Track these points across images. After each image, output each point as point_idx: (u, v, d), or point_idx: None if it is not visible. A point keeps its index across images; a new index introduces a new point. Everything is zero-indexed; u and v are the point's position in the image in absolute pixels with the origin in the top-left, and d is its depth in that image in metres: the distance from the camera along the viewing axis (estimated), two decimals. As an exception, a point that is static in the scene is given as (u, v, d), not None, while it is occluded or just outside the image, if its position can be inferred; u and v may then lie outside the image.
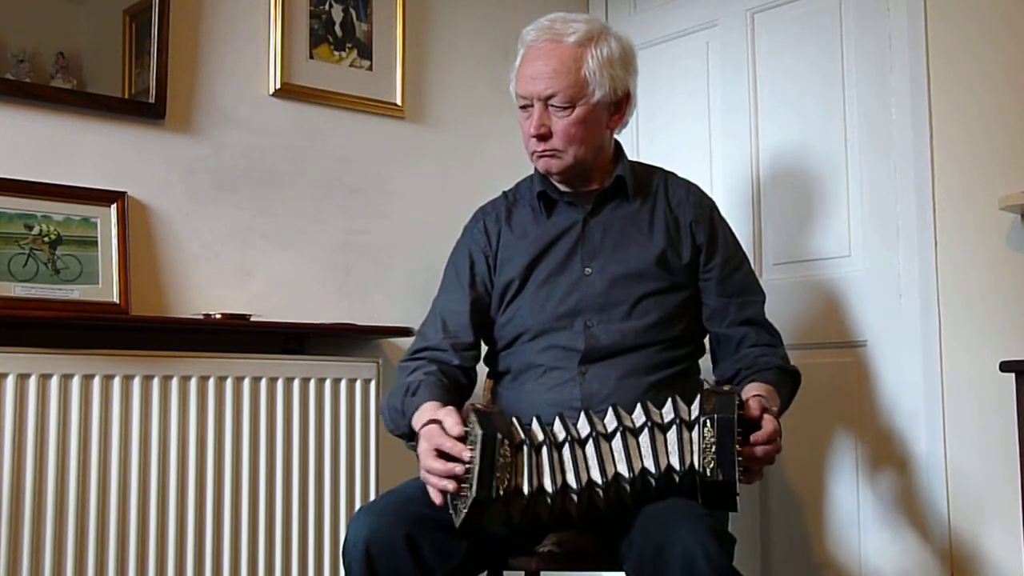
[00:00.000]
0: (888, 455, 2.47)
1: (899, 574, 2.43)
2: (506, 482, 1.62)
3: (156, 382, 2.25)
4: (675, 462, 1.67)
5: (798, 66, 2.71)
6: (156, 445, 2.24)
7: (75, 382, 2.16)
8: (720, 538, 1.62)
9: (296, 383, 2.43)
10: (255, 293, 2.54)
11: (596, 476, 1.66)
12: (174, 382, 2.27)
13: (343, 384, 2.50)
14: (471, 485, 1.60)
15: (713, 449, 1.64)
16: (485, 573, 1.93)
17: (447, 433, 1.68)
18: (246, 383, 2.36)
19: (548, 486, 1.65)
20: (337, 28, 2.72)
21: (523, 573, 1.96)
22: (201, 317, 2.37)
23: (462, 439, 1.66)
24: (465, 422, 1.67)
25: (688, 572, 1.57)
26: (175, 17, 2.46)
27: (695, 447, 1.66)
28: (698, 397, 1.70)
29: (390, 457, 2.58)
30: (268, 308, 2.52)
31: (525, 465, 1.65)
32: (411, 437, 1.90)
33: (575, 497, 1.66)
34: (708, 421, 1.64)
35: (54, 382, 2.14)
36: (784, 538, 2.65)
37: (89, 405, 2.17)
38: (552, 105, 1.93)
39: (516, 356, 2.03)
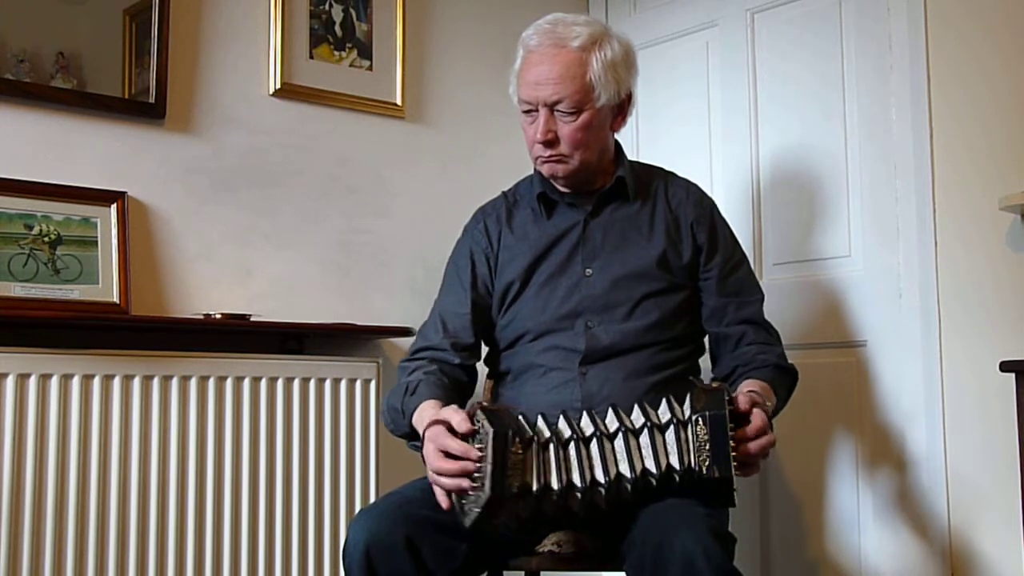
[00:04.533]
0: (888, 455, 2.48)
1: (898, 574, 2.43)
2: (518, 480, 1.61)
3: (156, 382, 2.25)
4: (675, 462, 1.67)
5: (798, 66, 2.71)
6: (156, 445, 2.24)
7: (75, 382, 2.16)
8: (720, 538, 1.62)
9: (296, 383, 2.43)
10: (255, 293, 2.54)
11: (599, 475, 1.66)
12: (174, 382, 2.27)
13: (343, 384, 2.49)
14: (483, 484, 1.59)
15: (707, 447, 1.64)
16: (485, 574, 1.93)
17: (454, 431, 1.66)
18: (246, 383, 2.36)
19: (554, 484, 1.64)
20: (337, 28, 2.72)
21: (523, 573, 1.96)
22: (201, 317, 2.37)
23: (468, 437, 1.65)
24: (472, 420, 1.66)
25: (688, 572, 1.57)
26: (175, 17, 2.46)
27: (691, 446, 1.66)
28: (688, 395, 1.70)
29: (390, 458, 2.58)
30: (268, 308, 2.52)
31: (534, 463, 1.63)
32: (411, 437, 1.90)
33: (579, 495, 1.65)
34: (700, 419, 1.65)
35: (54, 382, 2.14)
36: (784, 538, 2.65)
37: (89, 405, 2.17)
38: (558, 111, 1.92)
39: (517, 357, 2.03)
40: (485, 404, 1.67)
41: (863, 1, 2.58)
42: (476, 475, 1.61)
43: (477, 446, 1.62)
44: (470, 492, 1.62)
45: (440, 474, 1.65)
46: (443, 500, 1.67)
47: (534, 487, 1.63)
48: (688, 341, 2.05)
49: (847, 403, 2.56)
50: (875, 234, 2.53)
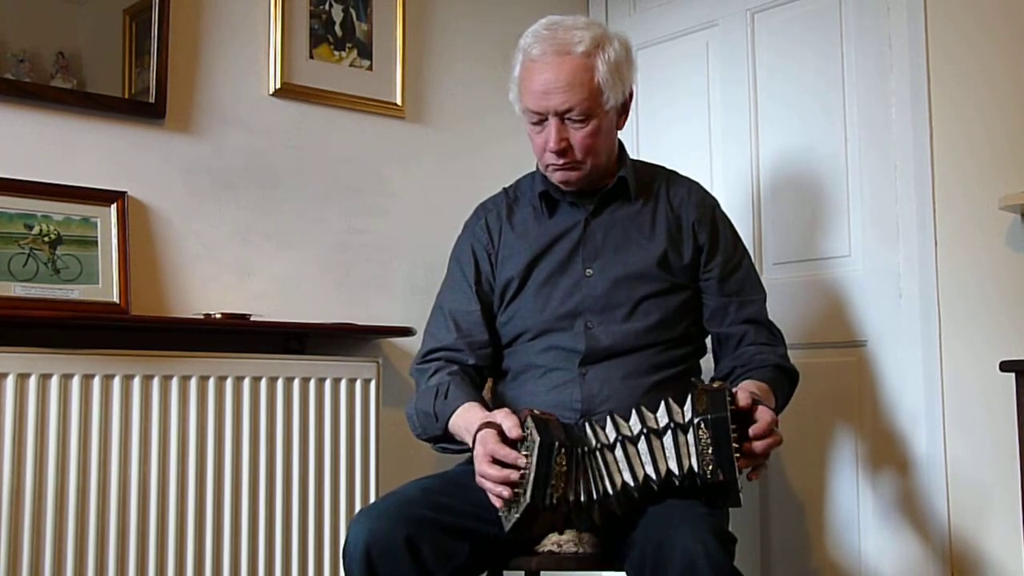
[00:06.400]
0: (888, 455, 2.47)
1: (899, 574, 2.43)
2: (560, 491, 1.63)
3: (156, 382, 2.25)
4: (674, 467, 1.68)
5: (798, 66, 2.71)
6: (156, 445, 2.24)
7: (75, 382, 2.16)
8: (721, 538, 1.62)
9: (296, 383, 2.43)
10: (255, 293, 2.54)
11: (607, 487, 1.68)
12: (174, 382, 2.27)
13: (343, 384, 2.49)
14: (525, 491, 1.62)
15: (710, 450, 1.64)
16: (485, 574, 1.93)
17: (505, 437, 1.69)
18: (246, 383, 2.36)
19: (583, 496, 1.67)
20: (337, 28, 2.72)
21: (523, 573, 1.96)
22: (201, 317, 2.37)
23: (517, 443, 1.67)
24: (522, 426, 1.68)
25: (689, 572, 1.57)
26: (175, 17, 2.46)
27: (690, 450, 1.66)
28: (688, 397, 1.70)
29: (390, 458, 2.58)
30: (268, 308, 2.52)
31: (573, 476, 1.66)
32: (439, 440, 1.91)
33: (597, 506, 1.68)
34: (703, 422, 1.65)
35: (54, 382, 2.14)
36: (784, 538, 2.65)
37: (89, 405, 2.17)
38: (568, 118, 1.90)
39: (516, 356, 2.02)
40: (536, 412, 1.69)
41: (863, 0, 2.58)
42: (519, 482, 1.64)
43: (524, 453, 1.65)
44: (510, 500, 1.65)
45: (485, 479, 1.69)
46: (496, 501, 1.69)
47: (571, 499, 1.65)
48: (690, 341, 2.04)
49: (847, 403, 2.56)
50: (875, 234, 2.53)
